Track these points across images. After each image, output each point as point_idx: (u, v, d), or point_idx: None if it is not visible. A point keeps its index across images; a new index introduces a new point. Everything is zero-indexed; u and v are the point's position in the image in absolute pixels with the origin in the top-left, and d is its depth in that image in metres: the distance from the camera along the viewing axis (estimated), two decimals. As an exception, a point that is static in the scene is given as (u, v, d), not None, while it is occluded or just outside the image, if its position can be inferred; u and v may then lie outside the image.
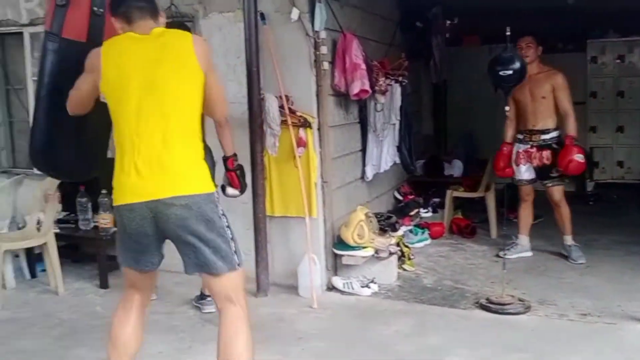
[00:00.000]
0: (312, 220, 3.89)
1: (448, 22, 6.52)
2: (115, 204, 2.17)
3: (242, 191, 2.74)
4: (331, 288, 3.96)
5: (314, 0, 3.84)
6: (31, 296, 3.88)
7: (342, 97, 4.31)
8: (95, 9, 2.60)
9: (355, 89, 4.07)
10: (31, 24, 4.73)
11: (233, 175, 2.65)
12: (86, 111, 2.34)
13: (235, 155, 2.60)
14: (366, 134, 4.67)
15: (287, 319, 3.49)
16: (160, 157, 2.09)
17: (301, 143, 3.87)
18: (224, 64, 4.07)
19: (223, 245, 2.19)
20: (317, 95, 3.98)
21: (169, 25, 2.40)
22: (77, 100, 2.31)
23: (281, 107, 3.84)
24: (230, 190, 2.74)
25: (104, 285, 4.00)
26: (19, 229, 4.03)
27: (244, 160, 3.84)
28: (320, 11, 3.85)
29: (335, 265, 4.09)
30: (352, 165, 4.58)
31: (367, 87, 4.09)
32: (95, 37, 2.51)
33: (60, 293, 3.86)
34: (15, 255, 4.07)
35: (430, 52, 6.14)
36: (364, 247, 3.96)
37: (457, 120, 7.67)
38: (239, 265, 2.23)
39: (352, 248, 3.96)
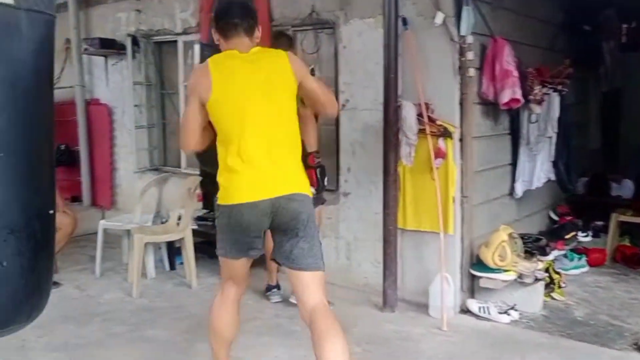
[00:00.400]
0: (447, 236, 3.76)
1: (624, 25, 5.94)
2: (231, 202, 2.33)
3: (318, 190, 2.76)
4: (465, 311, 3.80)
5: (461, 3, 3.73)
6: (167, 287, 4.24)
7: (491, 106, 4.13)
8: None
9: (505, 97, 3.88)
10: (184, 32, 5.22)
11: (312, 173, 2.71)
12: (202, 143, 2.45)
13: (317, 152, 2.66)
14: (517, 147, 4.43)
15: (413, 338, 3.41)
16: (276, 161, 2.35)
17: (440, 154, 3.77)
18: (362, 71, 4.12)
19: (317, 244, 2.41)
20: (461, 104, 3.85)
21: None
22: (191, 130, 2.38)
23: (419, 115, 3.78)
24: None
25: (234, 284, 4.22)
26: (162, 223, 4.43)
27: (377, 170, 3.88)
28: (468, 15, 3.72)
29: (472, 287, 3.92)
30: (499, 180, 4.36)
31: (518, 95, 3.88)
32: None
33: (193, 287, 4.17)
34: (159, 247, 4.47)
35: (600, 58, 5.65)
36: (506, 271, 3.74)
37: (632, 134, 6.91)
38: (323, 267, 2.44)
39: (492, 270, 3.76)
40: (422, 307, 3.81)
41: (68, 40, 6.06)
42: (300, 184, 2.39)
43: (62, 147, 6.19)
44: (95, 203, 6.15)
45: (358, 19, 4.14)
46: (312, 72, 4.17)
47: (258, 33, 2.49)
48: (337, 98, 4.26)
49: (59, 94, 6.26)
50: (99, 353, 3.12)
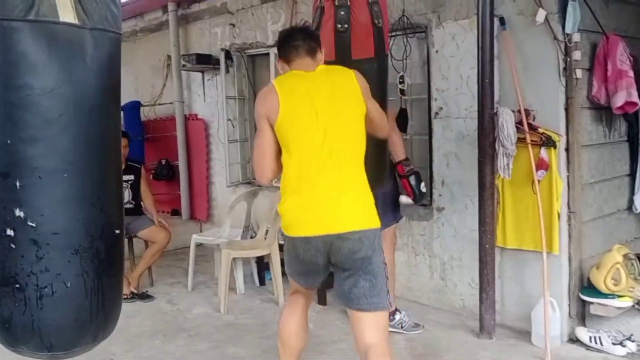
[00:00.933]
0: (551, 256, 3.51)
1: None
2: (289, 234, 2.31)
3: (416, 200, 2.62)
4: (574, 340, 3.53)
5: (566, -2, 3.48)
6: (255, 303, 4.31)
7: (603, 111, 3.83)
8: (339, 26, 2.92)
9: (619, 101, 3.58)
10: (276, 45, 5.30)
11: (405, 183, 2.58)
12: (278, 170, 2.37)
13: (407, 159, 2.55)
14: (637, 156, 4.06)
15: (511, 369, 3.19)
16: (338, 191, 2.25)
17: (542, 165, 3.52)
18: (456, 76, 3.97)
19: (380, 281, 2.28)
20: (566, 109, 3.59)
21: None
22: (268, 157, 2.33)
23: (519, 122, 3.56)
24: (403, 199, 2.64)
25: (322, 301, 4.22)
26: (251, 237, 4.51)
27: (473, 183, 3.70)
28: (574, 10, 3.46)
29: (583, 313, 3.62)
30: (614, 193, 4.02)
31: (635, 98, 3.57)
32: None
33: (280, 304, 4.21)
34: (249, 262, 4.57)
35: None
36: (620, 296, 3.41)
37: None
38: (390, 306, 2.35)
39: (605, 295, 3.45)
40: (524, 334, 3.58)
41: (169, 57, 6.41)
42: (360, 219, 2.24)
43: (163, 161, 6.55)
44: (193, 216, 6.42)
45: (451, 21, 4.00)
46: (402, 80, 4.12)
47: (321, 55, 2.49)
48: (429, 106, 4.15)
49: (160, 110, 6.71)
50: (182, 369, 3.22)
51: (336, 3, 3.06)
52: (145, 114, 6.85)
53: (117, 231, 1.58)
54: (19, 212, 1.42)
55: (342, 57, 2.91)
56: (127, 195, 4.68)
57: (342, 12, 3.03)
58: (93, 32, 1.49)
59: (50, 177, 1.43)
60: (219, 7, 5.90)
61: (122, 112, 6.74)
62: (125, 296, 4.38)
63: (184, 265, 5.06)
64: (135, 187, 4.72)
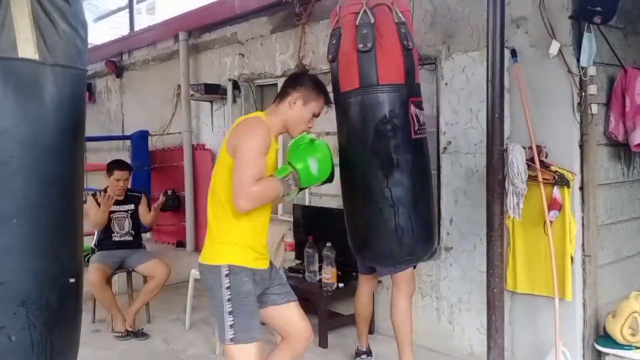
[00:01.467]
0: (564, 303, 3.36)
1: None
2: None
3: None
4: (589, 394, 3.34)
5: (581, 29, 3.40)
6: (253, 345, 4.17)
7: (621, 148, 3.70)
8: (360, 45, 2.95)
9: (638, 138, 3.45)
10: (284, 75, 5.30)
11: None
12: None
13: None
14: (659, 196, 3.90)
15: None
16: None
17: (554, 205, 3.39)
18: (466, 109, 3.89)
19: (218, 317, 2.43)
20: (581, 146, 3.47)
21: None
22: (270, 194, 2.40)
23: (530, 160, 3.45)
24: None
25: (322, 343, 4.10)
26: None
27: (482, 222, 3.57)
28: (589, 43, 3.37)
29: (598, 364, 3.44)
30: (633, 235, 3.85)
31: (655, 135, 3.43)
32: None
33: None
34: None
35: None
36: (638, 348, 3.24)
37: None
38: (230, 340, 2.39)
39: (621, 346, 3.29)
40: (535, 385, 3.41)
41: (179, 86, 6.45)
42: (202, 253, 2.55)
43: (169, 192, 6.53)
44: (198, 248, 6.36)
45: (461, 53, 3.93)
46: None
47: (289, 99, 2.58)
48: (437, 139, 4.06)
49: (168, 140, 6.72)
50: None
51: (358, 22, 3.00)
52: (154, 143, 6.87)
53: (72, 280, 1.51)
54: (-37, 259, 1.37)
55: (366, 80, 2.95)
56: (127, 225, 4.64)
57: (365, 31, 2.99)
58: (54, 68, 1.44)
59: (-2, 223, 1.39)
60: (229, 37, 5.94)
61: (130, 142, 6.81)
62: (120, 334, 4.32)
63: (184, 300, 4.97)
64: (134, 217, 4.68)
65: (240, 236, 2.45)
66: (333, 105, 2.98)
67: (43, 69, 1.43)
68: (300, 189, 2.54)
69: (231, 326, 2.38)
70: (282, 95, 2.61)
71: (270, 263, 2.67)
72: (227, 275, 2.40)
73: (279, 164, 2.64)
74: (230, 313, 2.39)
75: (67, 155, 1.52)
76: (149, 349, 4.09)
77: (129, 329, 4.31)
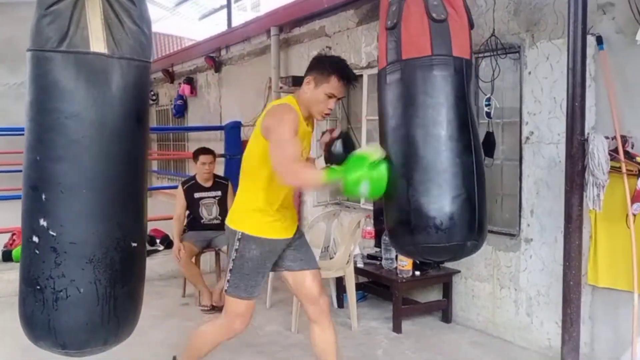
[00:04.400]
0: (645, 299, 3.18)
1: None
2: None
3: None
4: (673, 395, 3.14)
5: (674, 13, 3.19)
6: (328, 326, 4.28)
7: None
8: (434, 14, 2.38)
9: None
10: (369, 66, 5.35)
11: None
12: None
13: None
14: None
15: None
16: None
17: (638, 197, 3.22)
18: (550, 99, 3.76)
19: (226, 267, 2.73)
20: (672, 137, 3.27)
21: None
22: (311, 182, 2.53)
23: (614, 150, 3.29)
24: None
25: (397, 329, 4.13)
26: (331, 259, 4.52)
27: (562, 215, 3.44)
28: (680, 28, 3.17)
29: (683, 365, 3.23)
30: None
31: None
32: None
33: (353, 328, 4.17)
34: (328, 283, 4.58)
35: None
36: None
37: None
38: (225, 290, 2.74)
39: None
40: (614, 382, 3.27)
41: (270, 79, 6.67)
42: (230, 217, 2.79)
43: (259, 179, 6.77)
44: (284, 234, 6.56)
45: (546, 41, 3.80)
46: (489, 102, 3.95)
47: (306, 85, 2.67)
48: (520, 130, 3.96)
49: (260, 130, 6.97)
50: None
51: None
52: (246, 133, 7.16)
53: (135, 244, 1.68)
54: (43, 222, 1.57)
55: (439, 51, 2.35)
56: (214, 211, 4.91)
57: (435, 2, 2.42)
58: (121, 61, 1.62)
59: (71, 192, 1.57)
60: (317, 30, 6.07)
61: (223, 132, 7.13)
62: (206, 307, 4.58)
63: (268, 281, 5.18)
64: (222, 202, 4.93)
65: (258, 203, 2.67)
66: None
67: (111, 62, 1.61)
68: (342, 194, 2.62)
69: (228, 280, 2.71)
70: (300, 82, 2.75)
71: (296, 234, 2.83)
72: (239, 239, 2.67)
73: (312, 147, 2.80)
74: (230, 270, 2.70)
75: (130, 137, 1.69)
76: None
77: (214, 304, 4.56)
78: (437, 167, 2.21)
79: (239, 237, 2.67)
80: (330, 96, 2.61)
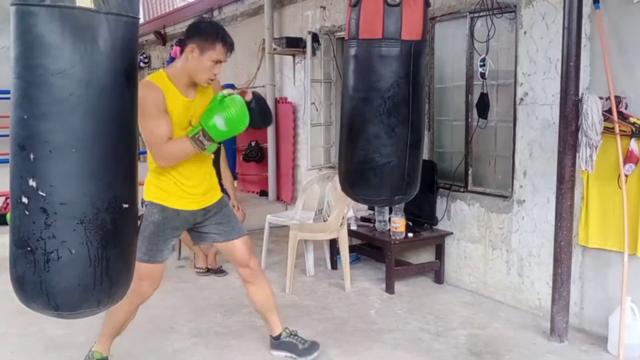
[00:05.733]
0: (635, 259, 3.22)
1: None
2: None
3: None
4: (657, 352, 3.21)
5: (672, -30, 3.14)
6: (322, 286, 4.34)
7: None
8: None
9: None
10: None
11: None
12: None
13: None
14: None
15: (579, 377, 2.99)
16: None
17: (631, 158, 3.22)
18: (545, 59, 3.73)
19: None
20: (665, 97, 3.25)
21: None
22: (180, 152, 2.72)
23: (607, 111, 3.28)
24: None
25: (389, 290, 4.18)
26: (324, 221, 4.55)
27: (554, 176, 3.45)
28: (679, -15, 3.12)
29: (670, 324, 3.29)
30: None
31: None
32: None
33: (346, 289, 4.22)
34: (321, 245, 4.61)
35: None
36: None
37: None
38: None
39: (696, 305, 3.11)
40: (602, 340, 3.34)
41: (264, 41, 6.59)
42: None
43: (253, 143, 6.76)
44: (279, 197, 6.59)
45: (542, 0, 3.75)
46: (483, 63, 3.93)
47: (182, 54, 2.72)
48: (514, 90, 3.94)
49: (253, 93, 6.92)
50: (233, 344, 3.33)
51: None
52: (239, 96, 7.10)
53: (126, 205, 1.67)
54: (32, 182, 1.55)
55: (388, 35, 2.62)
56: (208, 173, 4.90)
57: None
58: (108, 16, 1.57)
59: (59, 151, 1.55)
60: (311, -10, 5.97)
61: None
62: (201, 270, 4.62)
63: (262, 244, 5.22)
64: (216, 165, 4.91)
65: (162, 182, 2.77)
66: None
67: (97, 17, 1.56)
68: (219, 142, 2.67)
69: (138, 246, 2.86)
70: (182, 47, 2.71)
71: (214, 204, 2.91)
72: (146, 206, 2.81)
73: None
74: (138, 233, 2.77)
75: (120, 95, 1.65)
76: (225, 284, 4.37)
77: (209, 267, 4.60)
78: (375, 137, 2.65)
79: (146, 204, 2.81)
80: (216, 62, 2.65)
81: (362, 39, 2.64)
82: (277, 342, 3.18)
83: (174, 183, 2.76)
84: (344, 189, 2.88)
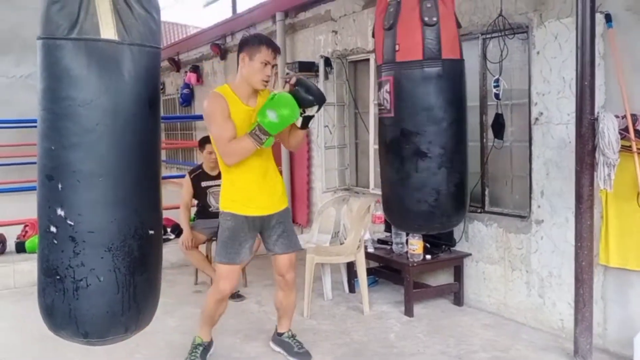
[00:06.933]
0: (658, 278, 3.20)
1: None
2: None
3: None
4: (685, 374, 3.16)
5: (683, -9, 3.17)
6: (340, 310, 4.32)
7: None
8: (426, 19, 2.94)
9: None
10: (375, 50, 5.33)
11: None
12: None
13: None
14: None
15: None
16: None
17: (649, 176, 3.22)
18: (559, 78, 3.75)
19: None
20: (683, 115, 3.26)
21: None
22: (241, 148, 3.07)
23: (624, 129, 3.29)
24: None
25: (408, 313, 4.16)
26: (341, 244, 4.56)
27: (573, 195, 3.45)
28: (692, 4, 3.15)
29: (697, 345, 3.24)
30: None
31: None
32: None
33: (365, 312, 4.20)
34: (338, 269, 4.60)
35: None
36: None
37: None
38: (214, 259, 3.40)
39: None
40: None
41: (275, 66, 6.66)
42: None
43: (268, 166, 6.79)
44: (294, 221, 6.59)
45: (554, 20, 3.78)
46: (497, 83, 3.96)
47: (241, 64, 3.10)
48: (529, 111, 3.96)
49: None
50: (252, 370, 3.34)
51: None
52: (253, 121, 7.17)
53: (152, 232, 1.71)
54: (60, 212, 1.59)
55: (430, 55, 2.93)
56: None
57: (429, 5, 2.94)
58: (132, 47, 1.64)
59: (87, 180, 1.60)
60: (323, 15, 6.05)
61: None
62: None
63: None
64: None
65: (231, 193, 3.16)
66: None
67: (121, 48, 1.62)
68: (272, 135, 2.92)
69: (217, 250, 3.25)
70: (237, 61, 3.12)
71: (280, 214, 3.27)
72: (221, 215, 3.22)
73: None
74: (217, 240, 3.28)
75: (144, 123, 1.71)
76: (244, 309, 4.37)
77: (227, 291, 4.61)
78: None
79: (221, 213, 3.22)
80: (265, 63, 3.03)
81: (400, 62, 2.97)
82: (278, 339, 3.55)
83: (241, 192, 3.13)
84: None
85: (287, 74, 5.97)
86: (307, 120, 3.08)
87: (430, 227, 3.21)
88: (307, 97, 2.94)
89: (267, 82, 3.07)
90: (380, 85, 3.18)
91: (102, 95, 1.59)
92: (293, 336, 3.53)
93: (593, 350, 3.37)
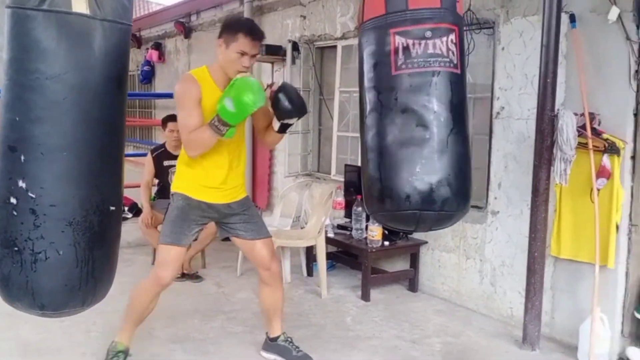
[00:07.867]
0: (606, 270, 3.31)
1: None
2: None
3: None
4: (624, 360, 3.31)
5: (645, -6, 3.25)
6: (298, 293, 4.34)
7: (682, 119, 3.53)
8: None
9: (696, 109, 3.30)
10: (343, 37, 5.32)
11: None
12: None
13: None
14: None
15: (550, 385, 3.05)
16: None
17: (603, 173, 3.31)
18: (521, 75, 3.81)
19: None
20: (635, 115, 3.36)
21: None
22: (201, 139, 2.78)
23: (582, 127, 3.37)
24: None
25: (365, 297, 4.20)
26: (302, 228, 4.56)
27: (529, 188, 3.53)
28: (651, 9, 3.23)
29: (637, 333, 3.40)
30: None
31: None
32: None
33: (323, 296, 4.23)
34: (297, 252, 4.59)
35: None
36: (681, 320, 3.16)
37: None
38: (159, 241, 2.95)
39: (662, 317, 3.21)
40: (572, 349, 3.41)
41: (255, 55, 6.55)
42: None
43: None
44: (255, 203, 6.55)
45: (520, 17, 3.83)
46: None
47: (218, 49, 2.77)
48: (491, 104, 4.01)
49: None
50: (212, 349, 3.32)
51: None
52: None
53: (113, 208, 1.67)
54: (22, 183, 1.53)
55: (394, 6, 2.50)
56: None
57: None
58: (103, 22, 1.58)
59: (51, 154, 1.54)
60: (291, -1, 5.98)
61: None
62: (177, 276, 4.57)
63: (237, 251, 5.18)
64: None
65: (189, 175, 2.86)
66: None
67: (93, 23, 1.57)
68: (232, 126, 2.59)
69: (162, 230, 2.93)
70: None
71: (238, 203, 2.96)
72: (172, 196, 2.92)
73: None
74: (164, 219, 2.95)
75: (111, 100, 1.66)
76: (202, 290, 4.34)
77: (185, 272, 4.55)
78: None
79: (172, 194, 2.93)
80: (242, 53, 2.68)
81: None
82: (272, 344, 3.20)
83: (199, 176, 2.83)
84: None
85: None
86: (285, 126, 2.81)
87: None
88: (286, 108, 2.69)
89: (242, 73, 2.69)
90: (435, 33, 2.48)
91: (71, 69, 1.53)
92: (289, 339, 3.21)
93: (541, 337, 3.48)
